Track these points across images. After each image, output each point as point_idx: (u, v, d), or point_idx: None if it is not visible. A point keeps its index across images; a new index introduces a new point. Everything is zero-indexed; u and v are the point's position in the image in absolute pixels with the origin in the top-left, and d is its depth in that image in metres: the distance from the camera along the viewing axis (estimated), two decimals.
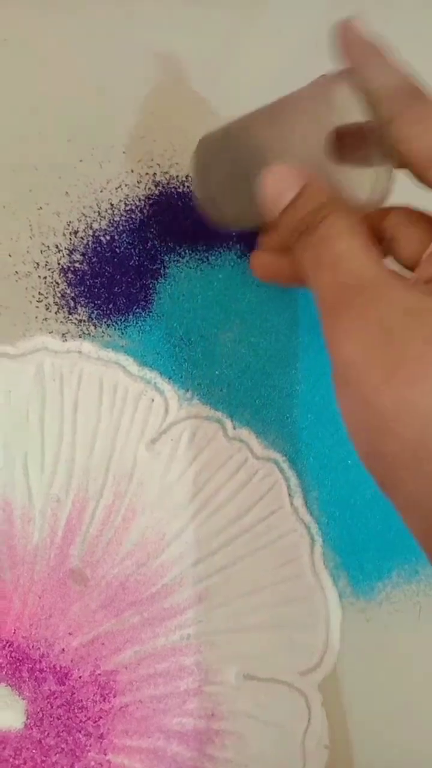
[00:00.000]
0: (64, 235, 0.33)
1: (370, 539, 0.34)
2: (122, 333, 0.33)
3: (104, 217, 0.34)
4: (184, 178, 0.35)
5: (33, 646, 0.29)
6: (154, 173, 0.35)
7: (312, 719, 0.31)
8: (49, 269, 0.32)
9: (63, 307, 0.32)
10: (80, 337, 0.32)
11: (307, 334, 0.36)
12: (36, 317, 0.32)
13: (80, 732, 0.28)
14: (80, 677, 0.29)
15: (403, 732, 0.33)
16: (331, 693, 0.32)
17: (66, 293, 0.32)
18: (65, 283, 0.32)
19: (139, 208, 0.34)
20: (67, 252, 0.33)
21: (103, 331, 0.32)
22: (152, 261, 0.34)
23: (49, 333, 0.32)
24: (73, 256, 0.33)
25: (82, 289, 0.32)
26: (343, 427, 0.35)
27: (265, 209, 0.24)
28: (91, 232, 0.33)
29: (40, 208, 0.33)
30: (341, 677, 0.32)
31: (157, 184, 0.35)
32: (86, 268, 0.33)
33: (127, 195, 0.34)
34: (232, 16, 0.38)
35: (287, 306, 0.36)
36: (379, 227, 0.25)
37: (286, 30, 0.39)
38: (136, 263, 0.33)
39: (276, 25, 0.39)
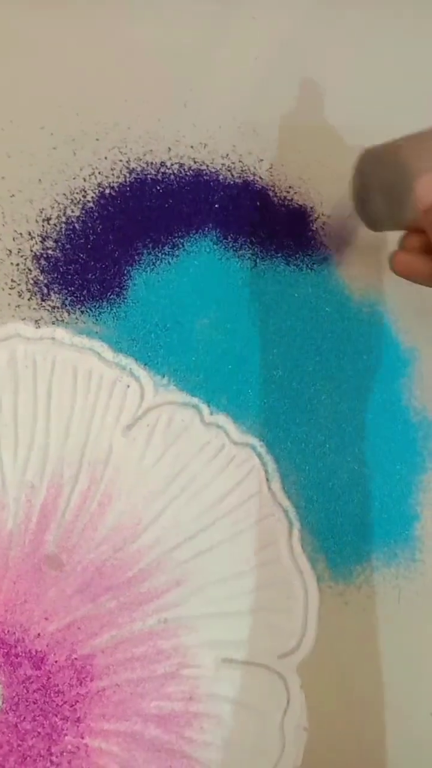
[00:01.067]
0: (36, 222, 0.33)
1: (349, 523, 0.34)
2: (96, 319, 0.33)
3: (77, 204, 0.34)
4: (159, 165, 0.35)
5: (8, 631, 0.29)
6: (128, 160, 0.35)
7: (291, 702, 0.31)
8: (21, 256, 0.32)
9: (36, 294, 0.32)
10: (53, 323, 0.32)
11: (284, 319, 0.36)
12: (8, 304, 0.32)
13: (57, 716, 0.28)
14: (56, 662, 0.29)
15: (381, 713, 0.33)
16: (309, 676, 0.32)
17: (39, 280, 0.32)
18: (38, 270, 0.32)
19: (113, 195, 0.34)
20: (40, 239, 0.33)
21: (76, 318, 0.32)
22: (127, 247, 0.34)
23: (22, 320, 0.32)
24: (45, 243, 0.33)
25: (55, 275, 0.32)
26: (320, 412, 0.36)
27: (416, 211, 0.30)
28: (64, 219, 0.33)
29: (13, 195, 0.33)
30: (320, 660, 0.32)
31: (131, 171, 0.35)
32: (59, 254, 0.33)
33: (101, 182, 0.34)
34: (211, 4, 0.38)
35: (264, 292, 0.36)
36: None
37: (264, 18, 0.39)
38: (111, 250, 0.33)
39: (254, 13, 0.39)
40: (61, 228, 0.33)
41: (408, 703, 0.33)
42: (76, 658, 0.29)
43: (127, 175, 0.35)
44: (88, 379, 0.32)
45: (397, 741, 0.33)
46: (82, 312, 0.32)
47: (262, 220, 0.36)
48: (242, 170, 0.36)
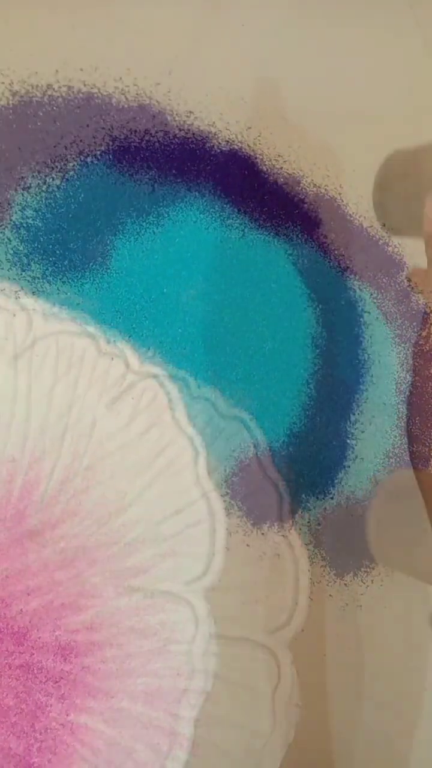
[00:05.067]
0: (15, 190, 0.32)
1: (344, 501, 0.34)
2: (79, 290, 0.32)
3: (59, 173, 0.33)
4: (143, 133, 0.34)
5: None
6: (111, 127, 0.34)
7: (282, 678, 0.31)
8: (0, 226, 0.32)
9: (15, 264, 0.31)
10: (34, 294, 0.31)
11: (272, 290, 0.35)
12: None
13: (40, 693, 0.28)
14: (39, 638, 0.28)
15: (373, 688, 0.32)
16: (301, 651, 0.31)
17: (18, 250, 0.31)
18: (17, 240, 0.32)
19: (95, 163, 0.33)
20: (19, 208, 0.32)
21: (58, 288, 0.32)
22: (110, 216, 0.33)
23: (1, 291, 0.31)
24: (25, 212, 0.32)
25: (36, 245, 0.32)
26: (313, 386, 0.35)
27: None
28: (44, 188, 0.32)
29: None
30: (311, 635, 0.32)
31: (114, 140, 0.34)
32: (39, 224, 0.32)
33: (83, 150, 0.33)
34: None
35: (251, 262, 0.35)
36: None
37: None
38: (93, 219, 0.33)
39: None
40: (41, 197, 0.32)
41: (401, 678, 0.33)
42: (59, 635, 0.29)
43: (110, 143, 0.34)
44: (71, 352, 0.31)
45: (391, 717, 0.32)
46: (63, 283, 0.32)
47: (251, 190, 0.36)
48: (229, 138, 0.36)
